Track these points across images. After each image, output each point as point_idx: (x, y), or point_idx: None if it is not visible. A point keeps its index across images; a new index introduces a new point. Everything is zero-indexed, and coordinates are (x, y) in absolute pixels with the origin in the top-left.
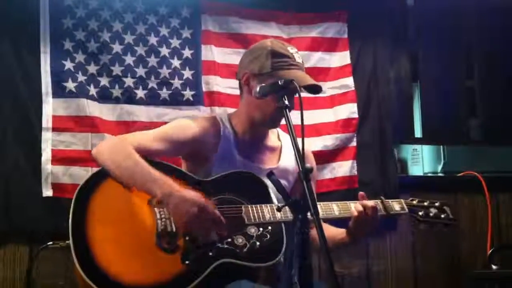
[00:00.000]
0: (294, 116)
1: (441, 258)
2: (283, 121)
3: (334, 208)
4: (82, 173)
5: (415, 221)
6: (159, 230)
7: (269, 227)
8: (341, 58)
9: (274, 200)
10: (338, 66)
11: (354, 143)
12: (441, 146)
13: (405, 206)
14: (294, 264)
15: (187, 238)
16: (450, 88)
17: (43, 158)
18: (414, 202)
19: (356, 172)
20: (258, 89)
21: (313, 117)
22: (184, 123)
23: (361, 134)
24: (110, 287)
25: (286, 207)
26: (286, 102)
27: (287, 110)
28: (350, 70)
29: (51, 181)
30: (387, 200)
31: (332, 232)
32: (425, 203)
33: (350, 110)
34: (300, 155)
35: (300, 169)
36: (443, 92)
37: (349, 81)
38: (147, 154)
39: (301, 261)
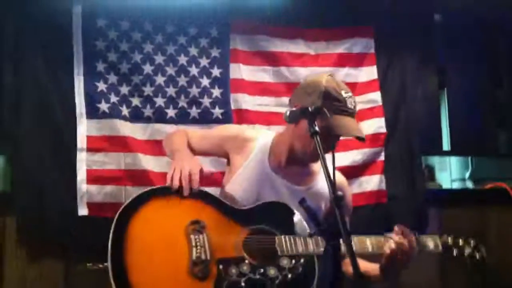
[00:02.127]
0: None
1: (468, 273)
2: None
3: (367, 243)
4: (116, 192)
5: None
6: (193, 258)
7: (302, 260)
8: (368, 73)
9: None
10: (365, 81)
11: (382, 158)
12: (469, 161)
13: (439, 245)
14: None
15: (220, 266)
16: (478, 100)
17: (79, 178)
18: (449, 240)
19: (384, 187)
20: (288, 113)
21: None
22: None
23: (389, 148)
24: None
25: (319, 238)
26: (316, 128)
27: (317, 136)
28: (377, 85)
29: (87, 200)
30: (420, 235)
31: (365, 266)
32: (460, 242)
33: (377, 125)
34: (332, 182)
35: (332, 195)
36: (471, 104)
37: (377, 96)
38: (191, 150)
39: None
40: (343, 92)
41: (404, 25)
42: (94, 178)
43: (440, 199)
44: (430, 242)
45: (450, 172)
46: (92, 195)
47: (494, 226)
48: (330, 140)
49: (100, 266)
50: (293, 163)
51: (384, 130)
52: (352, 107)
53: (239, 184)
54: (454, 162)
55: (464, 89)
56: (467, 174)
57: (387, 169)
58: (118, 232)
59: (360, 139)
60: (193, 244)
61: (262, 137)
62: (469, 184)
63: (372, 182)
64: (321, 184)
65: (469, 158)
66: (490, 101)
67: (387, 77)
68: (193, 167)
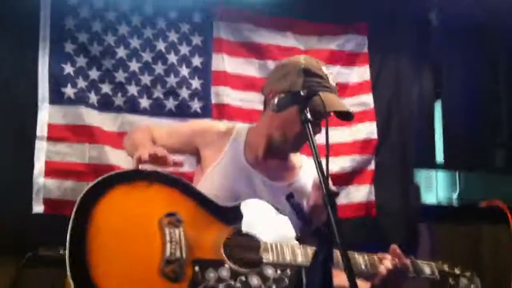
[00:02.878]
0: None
1: None
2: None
3: (360, 260)
4: (76, 188)
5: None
6: (167, 254)
7: (288, 271)
8: (360, 73)
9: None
10: (357, 82)
11: (372, 166)
12: (457, 174)
13: (436, 272)
14: None
15: (196, 268)
16: (475, 112)
17: (36, 170)
18: (445, 267)
19: (374, 198)
20: (276, 100)
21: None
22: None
23: (380, 156)
24: None
25: (308, 248)
26: (309, 115)
27: (309, 124)
28: (369, 87)
29: (43, 195)
30: (417, 261)
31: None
32: (457, 271)
33: (368, 130)
34: (325, 177)
35: (325, 191)
36: (467, 113)
37: (369, 98)
38: None
39: None
40: (323, 69)
41: (399, 24)
42: (54, 171)
43: (433, 215)
44: (427, 268)
45: (436, 193)
46: (49, 190)
47: (489, 244)
48: (315, 123)
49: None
50: (272, 155)
51: (375, 136)
52: (334, 84)
53: (212, 182)
54: (441, 181)
55: (461, 99)
56: (454, 196)
57: (378, 179)
58: (80, 219)
59: (349, 115)
60: (167, 238)
61: (235, 129)
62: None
63: (360, 192)
64: (303, 180)
65: (457, 178)
66: (488, 113)
67: (380, 79)
68: (162, 149)
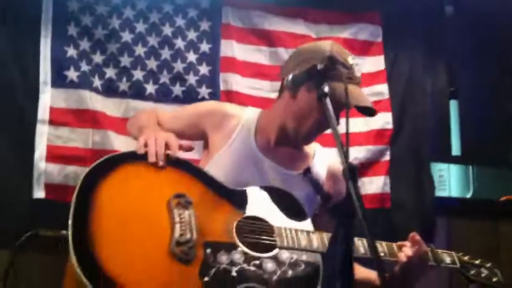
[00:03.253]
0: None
1: None
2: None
3: (378, 248)
4: (79, 174)
5: (464, 280)
6: (176, 236)
7: (304, 256)
8: (375, 63)
9: (309, 223)
10: (372, 72)
11: (387, 157)
12: (471, 172)
13: (456, 260)
14: (336, 285)
15: (208, 250)
16: (490, 106)
17: (36, 154)
18: (466, 258)
19: (389, 190)
20: (290, 77)
21: (341, 126)
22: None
23: (395, 147)
24: None
25: (324, 234)
26: (326, 89)
27: (326, 99)
28: (384, 77)
29: (44, 181)
30: (436, 250)
31: (370, 274)
32: (477, 262)
33: (384, 120)
34: (344, 151)
35: (345, 165)
36: (483, 109)
37: (384, 88)
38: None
39: (344, 281)
40: (349, 58)
41: (412, 14)
42: (55, 155)
43: (447, 209)
44: (447, 257)
45: (449, 190)
46: (51, 175)
47: (506, 239)
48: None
49: (53, 232)
50: (283, 143)
51: (390, 126)
52: (359, 75)
53: (220, 167)
54: (453, 180)
55: (476, 93)
56: (469, 195)
57: (392, 171)
58: (83, 198)
59: (371, 111)
60: (177, 219)
61: (246, 112)
62: None
63: (375, 183)
64: (317, 169)
65: (471, 176)
66: (503, 108)
67: (394, 69)
68: (170, 136)
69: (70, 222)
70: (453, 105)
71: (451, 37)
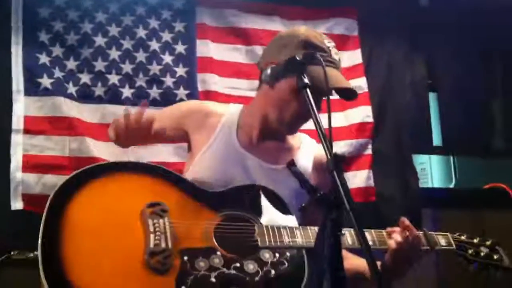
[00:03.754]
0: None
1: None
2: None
3: (367, 237)
4: (58, 183)
5: (462, 261)
6: (151, 246)
7: (287, 253)
8: (352, 57)
9: (292, 218)
10: (349, 66)
11: (369, 151)
12: (452, 162)
13: (452, 242)
14: (325, 278)
15: (185, 258)
16: (470, 96)
17: (12, 164)
18: (463, 237)
19: (372, 183)
20: (269, 70)
21: (322, 121)
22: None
23: (377, 140)
24: None
25: (308, 228)
26: (306, 80)
27: (307, 90)
28: (362, 70)
29: (22, 191)
30: (430, 232)
31: (359, 265)
32: (475, 240)
33: (364, 114)
34: (328, 142)
35: (329, 156)
36: (462, 99)
37: (362, 82)
38: None
39: (334, 273)
40: (325, 41)
41: (388, 9)
42: (32, 165)
43: (432, 200)
44: (442, 239)
45: (432, 183)
46: (28, 186)
47: (494, 229)
48: (314, 100)
49: (27, 255)
50: (267, 137)
51: (371, 119)
52: (337, 58)
53: (203, 167)
54: (436, 173)
55: (455, 82)
56: (451, 184)
57: (376, 164)
58: (52, 218)
59: (352, 93)
60: (151, 230)
61: (227, 110)
62: None
63: (358, 178)
64: (302, 161)
65: (453, 168)
66: (482, 97)
67: (372, 62)
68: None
69: (40, 243)
70: (432, 97)
71: (428, 29)
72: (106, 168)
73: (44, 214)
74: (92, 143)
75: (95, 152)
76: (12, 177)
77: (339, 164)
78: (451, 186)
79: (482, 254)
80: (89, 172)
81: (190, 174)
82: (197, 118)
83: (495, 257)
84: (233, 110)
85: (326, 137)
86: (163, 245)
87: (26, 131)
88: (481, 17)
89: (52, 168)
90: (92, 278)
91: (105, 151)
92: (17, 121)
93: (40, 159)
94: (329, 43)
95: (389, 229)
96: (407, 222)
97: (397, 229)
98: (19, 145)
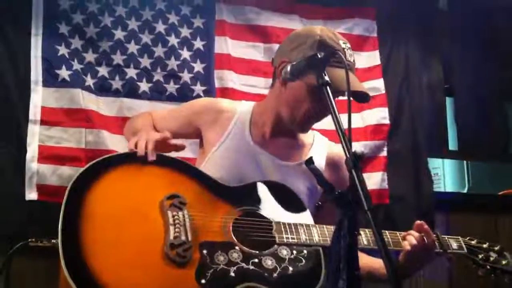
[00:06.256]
0: (329, 121)
1: None
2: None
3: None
4: (73, 175)
5: (473, 265)
6: (170, 238)
7: (304, 251)
8: (370, 58)
9: (308, 215)
10: (367, 67)
11: (384, 153)
12: (465, 168)
13: (463, 245)
14: (341, 277)
15: (204, 251)
16: (486, 101)
17: (28, 155)
18: (473, 242)
19: (386, 186)
20: (289, 67)
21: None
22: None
23: (393, 142)
24: None
25: (324, 227)
26: (327, 78)
27: (327, 88)
28: (380, 72)
29: (37, 182)
30: (443, 236)
31: (374, 263)
32: (485, 245)
33: (380, 115)
34: (346, 139)
35: (348, 155)
36: (479, 104)
37: (379, 84)
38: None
39: (350, 272)
40: (341, 42)
41: (407, 10)
42: (47, 156)
43: (448, 203)
44: (454, 243)
45: (444, 186)
46: (43, 176)
47: (506, 235)
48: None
49: (44, 243)
50: (279, 134)
51: (387, 121)
52: (352, 60)
53: (217, 163)
54: (448, 179)
55: (471, 89)
56: (465, 189)
57: (390, 166)
58: (72, 204)
59: (365, 96)
60: (171, 222)
61: (239, 107)
62: None
63: (373, 179)
64: (315, 159)
65: (466, 173)
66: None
67: (390, 64)
68: (162, 134)
69: (60, 230)
70: (449, 102)
71: (446, 32)
72: (126, 158)
73: (64, 201)
74: (108, 136)
75: (111, 145)
76: (27, 168)
77: (357, 163)
78: (464, 190)
79: (491, 258)
80: (108, 161)
81: (203, 169)
82: (210, 115)
83: (504, 262)
84: (245, 107)
85: (345, 135)
86: (183, 237)
87: (43, 122)
88: (499, 20)
89: (67, 159)
90: (113, 268)
91: (120, 144)
92: (34, 112)
93: (56, 150)
94: (344, 44)
95: (403, 233)
96: (425, 226)
97: (412, 231)
98: (35, 136)
